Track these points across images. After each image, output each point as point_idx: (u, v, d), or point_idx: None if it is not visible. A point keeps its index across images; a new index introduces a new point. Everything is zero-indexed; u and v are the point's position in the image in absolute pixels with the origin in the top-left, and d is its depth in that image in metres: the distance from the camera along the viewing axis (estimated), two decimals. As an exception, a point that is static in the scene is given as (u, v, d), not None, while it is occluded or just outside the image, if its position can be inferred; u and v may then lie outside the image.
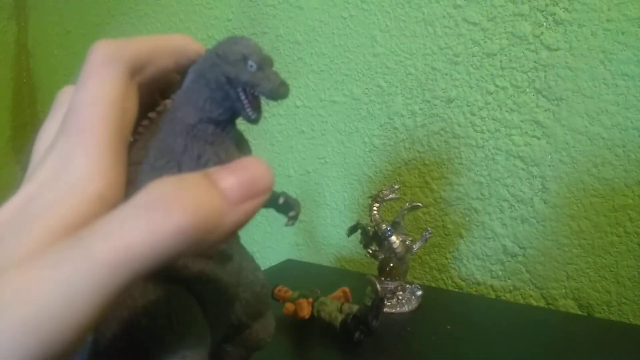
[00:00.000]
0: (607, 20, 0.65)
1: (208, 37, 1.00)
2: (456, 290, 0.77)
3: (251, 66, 0.22)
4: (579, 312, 0.69)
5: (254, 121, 0.23)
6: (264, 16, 0.93)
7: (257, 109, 0.23)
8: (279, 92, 0.22)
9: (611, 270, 0.67)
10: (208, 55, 0.24)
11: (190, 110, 0.23)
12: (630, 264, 0.65)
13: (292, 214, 0.28)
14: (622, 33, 0.63)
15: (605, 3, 0.65)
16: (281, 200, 0.27)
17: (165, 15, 1.05)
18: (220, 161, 0.23)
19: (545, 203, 0.71)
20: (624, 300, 0.67)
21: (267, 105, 0.24)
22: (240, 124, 0.25)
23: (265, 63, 0.23)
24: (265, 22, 0.93)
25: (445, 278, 0.78)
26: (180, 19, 1.03)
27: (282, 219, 0.28)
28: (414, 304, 0.63)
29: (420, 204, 0.64)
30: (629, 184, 0.65)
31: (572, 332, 0.59)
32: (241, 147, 0.25)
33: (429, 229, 0.63)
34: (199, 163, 0.22)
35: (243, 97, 0.23)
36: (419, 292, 0.63)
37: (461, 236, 0.77)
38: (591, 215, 0.67)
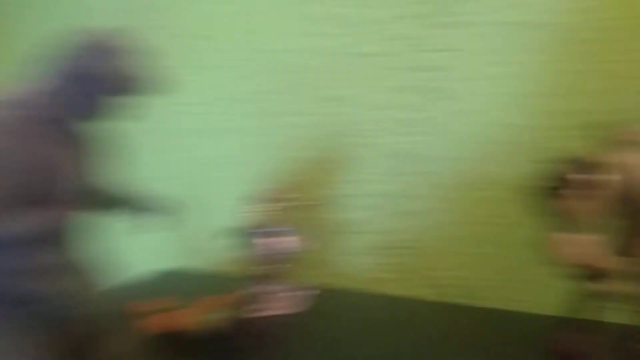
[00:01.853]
0: (498, 22, 0.70)
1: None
2: (350, 287, 0.78)
3: (107, 59, 0.21)
4: (467, 302, 0.74)
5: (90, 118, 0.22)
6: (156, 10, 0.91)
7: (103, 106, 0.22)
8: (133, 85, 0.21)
9: (496, 260, 0.72)
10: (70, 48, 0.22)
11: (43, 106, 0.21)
12: (510, 253, 0.70)
13: (162, 218, 0.28)
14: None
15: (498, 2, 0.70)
16: (151, 206, 0.27)
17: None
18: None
19: (433, 197, 0.75)
20: (507, 287, 0.72)
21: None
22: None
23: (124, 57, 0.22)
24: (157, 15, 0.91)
25: (336, 276, 0.81)
26: (62, 9, 1.00)
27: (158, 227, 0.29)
28: (301, 305, 0.62)
29: (311, 203, 0.67)
30: (509, 179, 0.69)
31: (459, 321, 0.63)
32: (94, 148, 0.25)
33: (319, 228, 0.65)
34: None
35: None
36: (308, 293, 0.63)
37: (353, 233, 0.80)
38: (476, 209, 0.72)
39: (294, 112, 0.82)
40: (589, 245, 0.50)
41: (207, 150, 0.89)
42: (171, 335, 0.56)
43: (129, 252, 0.97)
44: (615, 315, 0.63)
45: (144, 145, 0.94)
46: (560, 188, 0.50)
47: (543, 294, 0.72)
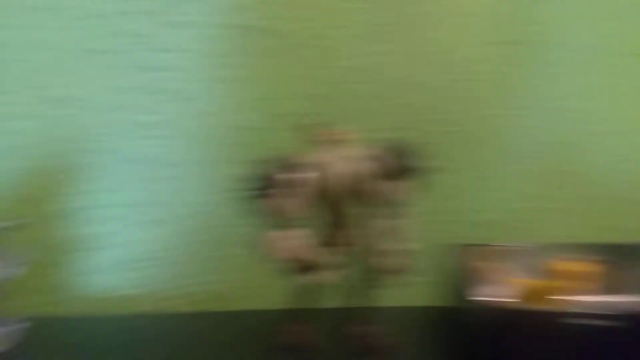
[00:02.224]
0: (225, 24, 0.70)
1: None
2: (90, 312, 0.73)
3: None
4: (217, 308, 0.74)
5: None
6: None
7: None
8: None
9: (240, 261, 0.73)
10: None
11: None
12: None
13: None
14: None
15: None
16: None
17: None
18: None
19: (178, 203, 0.74)
20: (249, 287, 0.75)
21: None
22: None
23: None
24: None
25: (71, 302, 0.75)
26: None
27: None
28: (9, 342, 0.54)
29: (22, 221, 0.59)
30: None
31: (214, 330, 0.62)
32: None
33: (28, 250, 0.58)
34: None
35: None
36: (17, 326, 0.55)
37: (92, 249, 0.75)
38: (221, 211, 0.72)
39: (11, 115, 0.72)
40: (297, 240, 0.53)
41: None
42: None
43: None
44: (331, 301, 0.67)
45: None
46: (267, 187, 0.52)
47: (271, 291, 0.76)
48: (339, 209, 0.54)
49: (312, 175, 0.52)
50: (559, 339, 0.49)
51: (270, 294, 0.77)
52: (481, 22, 0.75)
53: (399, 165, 0.53)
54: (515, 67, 0.76)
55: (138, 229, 0.77)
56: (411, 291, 0.77)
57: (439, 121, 0.76)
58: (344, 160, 0.54)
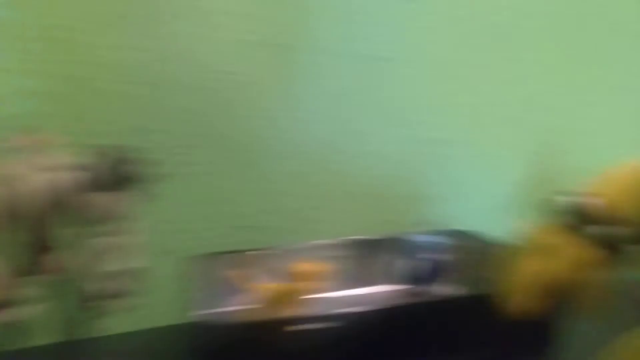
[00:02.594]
0: None
1: None
2: None
3: None
4: None
5: None
6: None
7: None
8: None
9: None
10: None
11: None
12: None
13: None
14: None
15: None
16: None
17: None
18: None
19: None
20: None
21: None
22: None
23: None
24: None
25: None
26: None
27: None
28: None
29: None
30: None
31: None
32: None
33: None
34: None
35: None
36: None
37: None
38: None
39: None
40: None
41: None
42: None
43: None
44: (46, 337, 0.60)
45: None
46: None
47: None
48: (41, 229, 0.46)
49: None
50: (291, 344, 0.48)
51: None
52: (235, 21, 0.72)
53: (115, 175, 0.47)
54: (271, 69, 0.75)
55: None
56: (145, 312, 0.70)
57: (192, 123, 0.72)
58: (41, 172, 0.45)
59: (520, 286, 0.40)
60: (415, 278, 0.68)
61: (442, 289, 0.68)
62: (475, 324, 0.48)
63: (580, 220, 0.41)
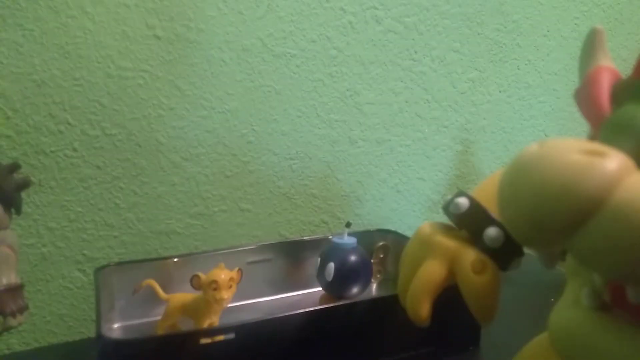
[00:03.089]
0: None
1: None
2: None
3: None
4: None
5: None
6: None
7: None
8: None
9: None
10: None
11: None
12: None
13: None
14: None
15: None
16: None
17: None
18: None
19: None
20: None
21: None
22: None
23: None
24: None
25: None
26: None
27: None
28: None
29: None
30: None
31: None
32: None
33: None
34: None
35: None
36: None
37: None
38: None
39: None
40: None
41: None
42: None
43: None
44: None
45: None
46: None
47: None
48: None
49: None
50: (206, 357, 0.46)
51: None
52: (131, 14, 0.69)
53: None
54: (178, 66, 0.71)
55: None
56: (50, 327, 0.68)
57: (96, 122, 0.68)
58: None
59: (411, 288, 0.40)
60: (342, 279, 0.66)
61: (366, 290, 0.67)
62: (403, 325, 0.47)
63: (458, 222, 0.41)
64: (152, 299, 0.60)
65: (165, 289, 0.59)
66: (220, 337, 0.40)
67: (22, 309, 0.44)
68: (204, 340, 0.41)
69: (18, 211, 0.44)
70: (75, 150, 0.64)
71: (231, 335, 0.42)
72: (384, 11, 0.83)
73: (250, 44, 0.74)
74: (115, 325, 0.60)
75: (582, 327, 0.25)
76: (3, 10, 0.59)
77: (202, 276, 0.52)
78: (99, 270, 0.56)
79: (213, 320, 0.54)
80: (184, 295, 0.55)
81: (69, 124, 0.64)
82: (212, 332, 0.42)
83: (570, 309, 0.26)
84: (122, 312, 0.58)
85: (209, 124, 0.74)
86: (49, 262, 0.65)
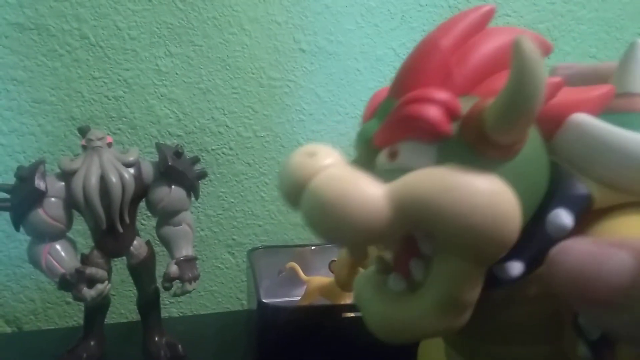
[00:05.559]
0: None
1: None
2: None
3: None
4: (9, 330, 0.67)
5: None
6: None
7: None
8: None
9: (31, 278, 0.67)
10: None
11: None
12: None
13: None
14: (6, 37, 0.62)
15: None
16: None
17: None
18: None
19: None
20: (48, 305, 0.69)
21: None
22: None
23: None
24: None
25: None
26: None
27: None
28: None
29: None
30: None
31: (4, 354, 0.56)
32: None
33: None
34: None
35: None
36: None
37: None
38: (3, 226, 0.65)
39: None
40: (68, 252, 0.49)
41: None
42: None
43: None
44: (117, 315, 0.69)
45: None
46: (33, 197, 0.48)
47: (57, 308, 0.71)
48: (120, 218, 0.51)
49: (78, 181, 0.49)
50: (341, 331, 0.52)
51: (57, 311, 0.72)
52: (281, 30, 0.75)
53: (173, 170, 0.52)
54: (307, 75, 0.77)
55: None
56: (209, 298, 0.79)
57: (249, 125, 0.78)
58: (116, 166, 0.50)
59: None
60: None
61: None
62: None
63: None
64: (292, 282, 0.68)
65: (302, 272, 0.67)
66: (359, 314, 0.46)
67: (196, 278, 0.54)
68: (346, 314, 0.48)
69: (196, 196, 0.54)
70: (231, 149, 0.75)
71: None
72: (516, 18, 0.85)
73: (383, 54, 0.80)
74: (266, 300, 0.68)
75: (359, 286, 0.30)
76: (179, 30, 0.71)
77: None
78: (251, 251, 0.65)
79: (347, 302, 0.60)
80: (322, 278, 0.62)
81: (227, 126, 0.75)
82: (353, 307, 0.48)
83: (363, 272, 0.31)
84: (267, 290, 0.66)
85: (343, 128, 0.81)
86: (205, 244, 0.77)
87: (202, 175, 0.55)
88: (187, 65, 0.72)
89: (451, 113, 0.26)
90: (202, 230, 0.76)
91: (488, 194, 0.24)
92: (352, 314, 0.50)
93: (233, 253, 0.78)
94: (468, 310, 0.27)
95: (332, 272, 0.60)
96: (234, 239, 0.78)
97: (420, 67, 0.28)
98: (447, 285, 0.26)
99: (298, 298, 0.65)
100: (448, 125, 0.26)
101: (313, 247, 0.69)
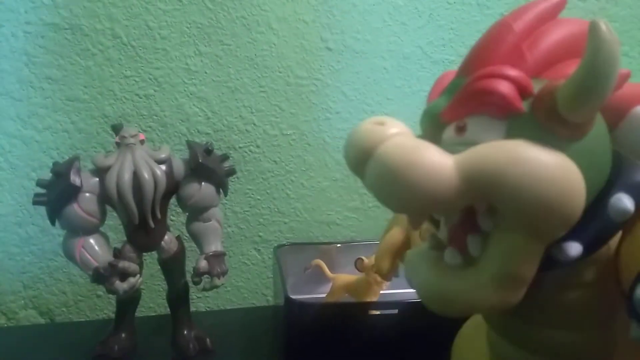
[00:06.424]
0: (26, 22, 0.65)
1: None
2: None
3: None
4: (42, 321, 0.69)
5: None
6: None
7: None
8: None
9: (64, 271, 0.69)
10: None
11: None
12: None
13: None
14: (42, 37, 0.64)
15: (22, 5, 0.65)
16: None
17: None
18: None
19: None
20: (79, 298, 0.70)
21: None
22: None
23: None
24: None
25: None
26: None
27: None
28: None
29: None
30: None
31: (37, 344, 0.58)
32: None
33: None
34: None
35: None
36: None
37: None
38: (37, 221, 0.67)
39: None
40: (102, 246, 0.51)
41: None
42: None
43: None
44: (150, 308, 0.70)
45: None
46: (68, 193, 0.49)
47: (89, 301, 0.73)
48: (145, 211, 0.52)
49: (112, 177, 0.50)
50: (367, 328, 0.52)
51: (88, 304, 0.74)
52: (308, 29, 0.75)
53: (203, 167, 0.52)
54: (333, 73, 0.77)
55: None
56: (236, 293, 0.79)
57: (275, 124, 0.78)
58: (148, 163, 0.50)
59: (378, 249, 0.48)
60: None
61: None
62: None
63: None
64: (317, 279, 0.69)
65: (328, 270, 0.67)
66: (385, 311, 0.46)
67: (225, 273, 0.55)
68: (372, 312, 0.48)
69: (225, 193, 0.55)
70: (258, 147, 0.76)
71: (394, 311, 0.47)
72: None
73: (410, 52, 0.79)
74: (292, 297, 0.69)
75: (412, 263, 0.31)
76: (209, 29, 0.72)
77: (366, 260, 0.58)
78: (277, 248, 0.66)
79: (372, 300, 0.60)
80: (348, 276, 0.62)
81: (255, 124, 0.75)
82: (379, 305, 0.49)
83: (415, 249, 0.33)
84: (292, 287, 0.66)
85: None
86: (232, 240, 0.78)
87: (231, 172, 0.56)
88: (216, 64, 0.73)
89: (523, 90, 0.27)
90: (229, 226, 0.77)
91: (555, 169, 0.24)
92: (378, 312, 0.50)
93: (259, 249, 0.79)
94: (523, 287, 0.27)
95: (358, 270, 0.61)
96: (260, 236, 0.79)
97: (493, 47, 0.29)
98: (505, 260, 0.27)
99: (323, 295, 0.65)
100: (520, 102, 0.27)
101: (339, 245, 0.70)
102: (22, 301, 0.70)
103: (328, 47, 0.77)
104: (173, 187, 0.54)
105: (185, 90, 0.73)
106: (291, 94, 0.77)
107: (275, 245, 0.70)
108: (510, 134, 0.26)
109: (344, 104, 0.79)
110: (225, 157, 0.55)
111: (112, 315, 0.58)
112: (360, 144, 0.27)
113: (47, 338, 0.62)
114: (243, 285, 0.80)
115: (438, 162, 0.25)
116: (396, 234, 0.46)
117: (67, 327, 0.68)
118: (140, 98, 0.71)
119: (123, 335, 0.57)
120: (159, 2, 0.70)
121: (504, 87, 0.26)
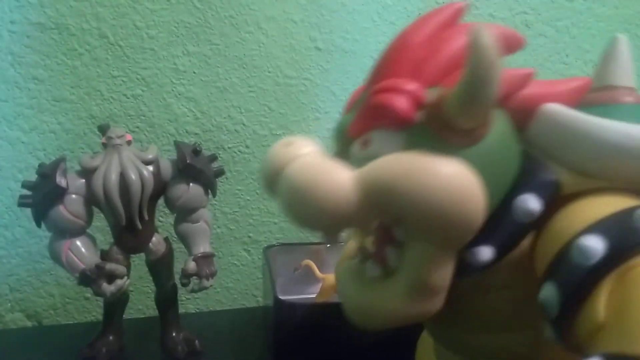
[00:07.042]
0: (11, 22, 0.65)
1: None
2: None
3: None
4: (29, 324, 0.68)
5: None
6: None
7: None
8: None
9: (51, 274, 0.68)
10: None
11: None
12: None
13: None
14: (27, 36, 0.63)
15: (6, 4, 0.64)
16: None
17: None
18: None
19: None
20: (67, 300, 0.70)
21: None
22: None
23: None
24: None
25: None
26: None
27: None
28: None
29: None
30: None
31: (24, 347, 0.57)
32: None
33: None
34: None
35: None
36: None
37: None
38: (24, 223, 0.67)
39: None
40: (88, 248, 0.50)
41: None
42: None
43: None
44: (137, 310, 0.70)
45: None
46: (54, 194, 0.48)
47: (77, 303, 0.72)
48: (139, 215, 0.52)
49: (98, 179, 0.49)
50: (357, 329, 0.52)
51: (75, 307, 0.73)
52: (297, 29, 0.75)
53: (191, 168, 0.51)
54: (323, 73, 0.77)
55: None
56: (225, 294, 0.79)
57: (264, 124, 0.78)
58: (136, 164, 0.50)
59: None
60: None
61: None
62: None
63: None
64: (307, 279, 0.68)
65: (318, 270, 0.67)
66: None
67: (213, 274, 0.54)
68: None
69: (214, 193, 0.55)
70: (247, 147, 0.76)
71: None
72: (534, 15, 0.84)
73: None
74: (281, 297, 0.68)
75: (340, 274, 0.32)
76: (197, 29, 0.71)
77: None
78: (267, 248, 0.66)
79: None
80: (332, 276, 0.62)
81: (244, 124, 0.75)
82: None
83: (346, 262, 0.33)
84: (282, 288, 0.66)
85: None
86: (221, 241, 0.77)
87: (220, 173, 0.55)
88: (204, 64, 0.73)
89: (418, 102, 0.27)
90: (218, 227, 0.77)
91: (447, 177, 0.24)
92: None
93: (249, 250, 0.79)
94: (439, 296, 0.27)
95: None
96: (249, 237, 0.78)
97: (391, 61, 0.29)
98: (417, 269, 0.27)
99: (313, 295, 0.65)
100: (413, 113, 0.27)
101: (328, 245, 0.70)
102: (9, 304, 0.69)
103: (317, 47, 0.77)
104: (161, 188, 0.53)
105: (173, 90, 0.72)
106: (280, 94, 0.76)
107: (265, 245, 0.70)
108: (408, 146, 0.27)
109: (333, 103, 0.79)
110: (213, 158, 0.54)
111: (101, 318, 0.58)
112: (270, 165, 0.28)
113: (34, 341, 0.61)
114: (233, 287, 0.80)
115: (337, 178, 0.25)
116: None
117: (55, 330, 0.67)
118: (128, 98, 0.71)
119: (111, 337, 0.56)
120: (147, 2, 0.69)
121: (398, 101, 0.27)
